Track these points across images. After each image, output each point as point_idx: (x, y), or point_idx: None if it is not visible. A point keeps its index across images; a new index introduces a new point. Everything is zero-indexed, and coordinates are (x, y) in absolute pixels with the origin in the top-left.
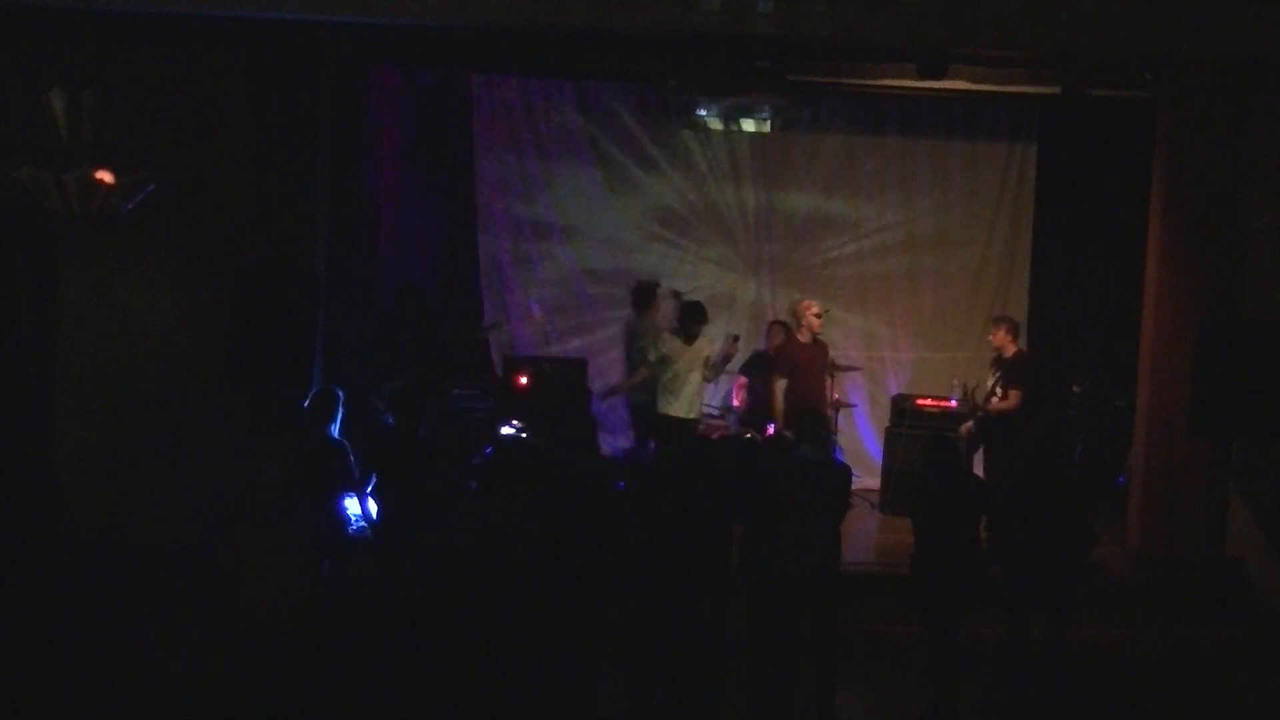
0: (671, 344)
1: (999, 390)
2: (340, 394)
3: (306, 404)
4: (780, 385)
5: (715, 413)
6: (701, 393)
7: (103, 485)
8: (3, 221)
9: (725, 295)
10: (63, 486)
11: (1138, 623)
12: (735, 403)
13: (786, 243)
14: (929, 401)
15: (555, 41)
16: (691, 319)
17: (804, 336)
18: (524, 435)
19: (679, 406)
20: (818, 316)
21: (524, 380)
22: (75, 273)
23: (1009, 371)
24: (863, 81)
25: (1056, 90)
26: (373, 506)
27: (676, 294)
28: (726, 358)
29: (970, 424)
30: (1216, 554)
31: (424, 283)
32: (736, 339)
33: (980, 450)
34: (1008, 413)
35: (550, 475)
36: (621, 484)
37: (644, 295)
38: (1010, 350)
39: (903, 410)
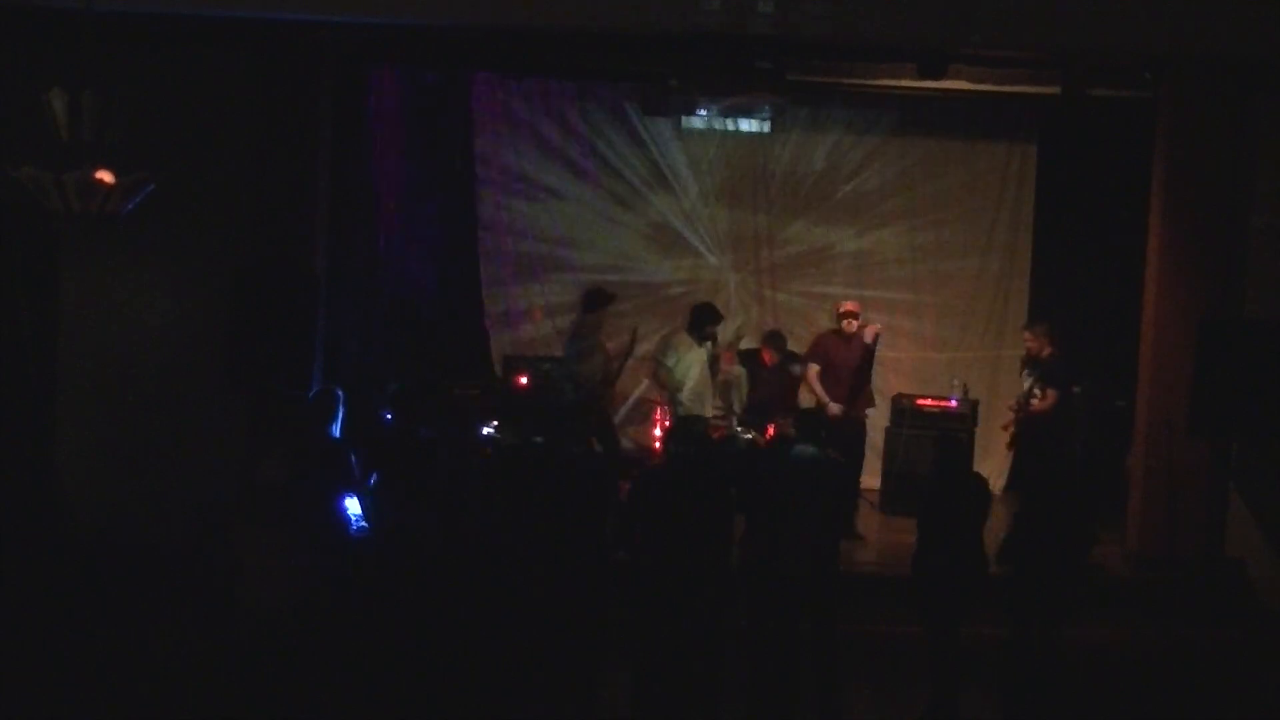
0: (688, 346)
1: (1038, 391)
2: (340, 394)
3: (307, 404)
4: (813, 370)
5: (716, 412)
6: (711, 392)
7: (103, 485)
8: (3, 221)
9: (725, 296)
10: (63, 486)
11: (1138, 623)
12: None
13: (786, 243)
14: (929, 401)
15: (555, 41)
16: (707, 320)
17: (841, 332)
18: (500, 438)
19: (697, 407)
20: (842, 316)
21: (524, 380)
22: (75, 273)
23: (1047, 372)
24: (863, 81)
25: (1056, 90)
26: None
27: (633, 333)
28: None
29: (1012, 427)
30: (1216, 554)
31: (424, 282)
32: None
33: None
34: (1046, 413)
35: (550, 474)
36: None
37: (595, 300)
38: (1047, 351)
39: (903, 410)
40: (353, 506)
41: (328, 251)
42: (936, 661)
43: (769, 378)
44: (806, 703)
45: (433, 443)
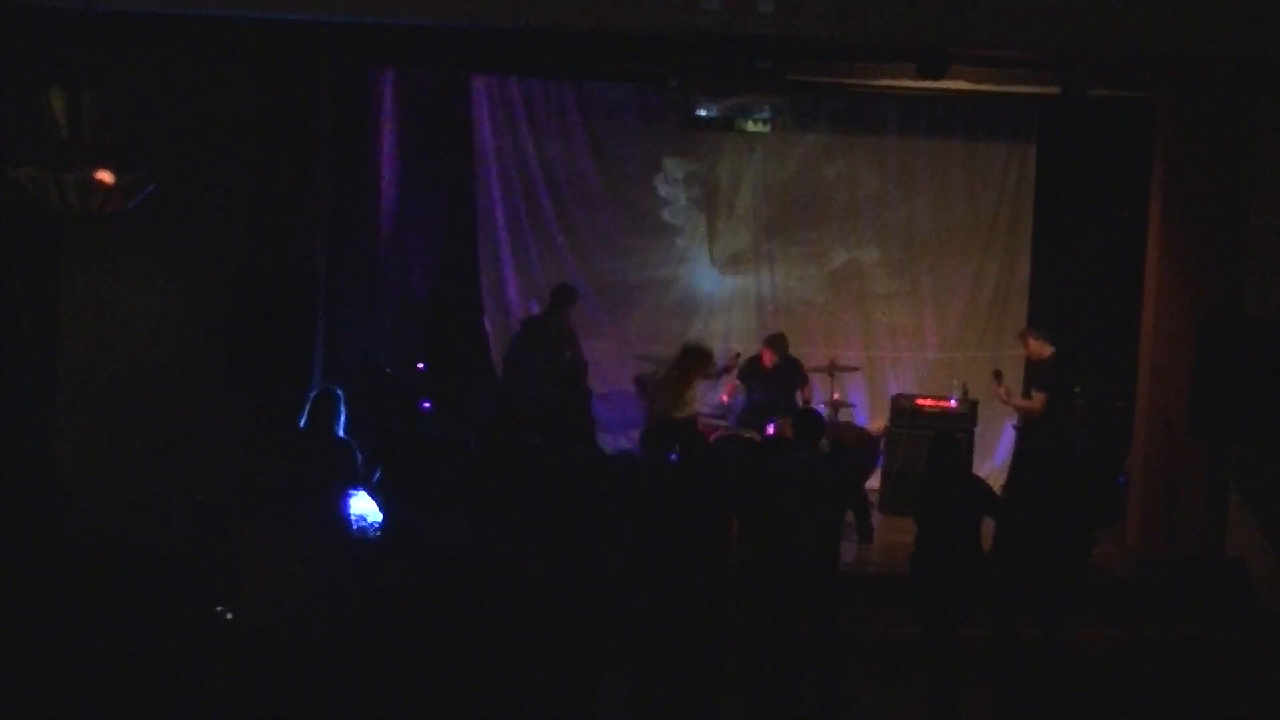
0: (675, 381)
1: (1033, 392)
2: (340, 393)
3: (307, 405)
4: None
5: (715, 413)
6: (696, 395)
7: (103, 485)
8: (3, 221)
9: (726, 296)
10: (63, 486)
11: (1138, 623)
12: (724, 398)
13: (786, 243)
14: (929, 401)
15: (555, 41)
16: (700, 363)
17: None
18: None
19: (674, 410)
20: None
21: None
22: (75, 273)
23: (1041, 374)
24: (863, 81)
25: (1056, 90)
26: (374, 507)
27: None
28: (727, 369)
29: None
30: (1216, 554)
31: (424, 282)
32: (738, 355)
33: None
34: (1033, 413)
35: (551, 474)
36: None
37: (561, 296)
38: (1046, 353)
39: (903, 410)
40: (356, 505)
41: (328, 251)
42: (936, 661)
43: (768, 379)
44: (806, 703)
45: (433, 442)
